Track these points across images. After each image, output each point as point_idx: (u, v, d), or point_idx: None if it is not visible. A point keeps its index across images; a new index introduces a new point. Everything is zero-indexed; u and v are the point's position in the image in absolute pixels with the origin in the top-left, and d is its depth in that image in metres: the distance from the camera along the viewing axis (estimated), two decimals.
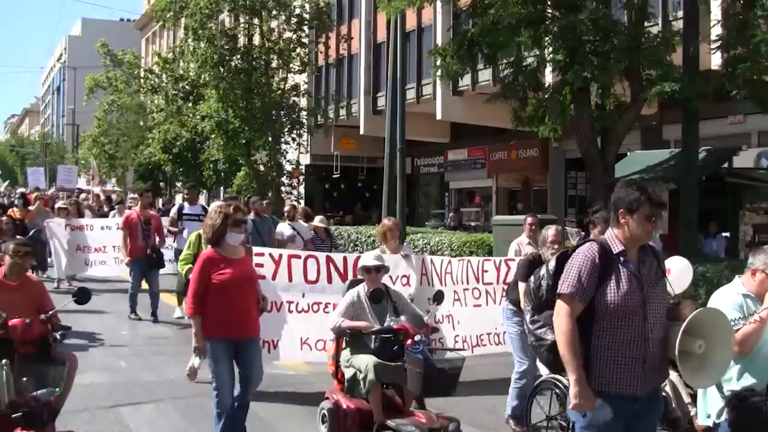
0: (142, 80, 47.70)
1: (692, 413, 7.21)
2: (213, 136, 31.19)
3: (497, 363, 11.03)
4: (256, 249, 10.19)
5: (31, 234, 17.64)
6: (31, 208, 20.17)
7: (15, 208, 20.04)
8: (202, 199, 34.89)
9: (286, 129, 31.28)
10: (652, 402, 5.16)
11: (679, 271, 8.16)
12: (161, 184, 49.58)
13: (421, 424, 7.35)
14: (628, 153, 22.16)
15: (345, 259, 10.52)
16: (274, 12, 30.04)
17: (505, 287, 10.45)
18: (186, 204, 16.90)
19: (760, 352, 5.91)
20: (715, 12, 17.60)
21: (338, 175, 41.40)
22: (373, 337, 7.82)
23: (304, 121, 32.15)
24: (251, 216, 14.94)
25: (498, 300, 11.03)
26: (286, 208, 17.25)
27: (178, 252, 15.07)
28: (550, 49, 16.95)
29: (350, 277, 9.96)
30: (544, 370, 7.47)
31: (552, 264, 5.26)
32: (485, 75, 28.62)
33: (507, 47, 16.46)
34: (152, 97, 43.37)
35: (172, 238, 16.49)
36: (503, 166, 34.43)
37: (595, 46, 16.14)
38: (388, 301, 8.15)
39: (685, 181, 16.77)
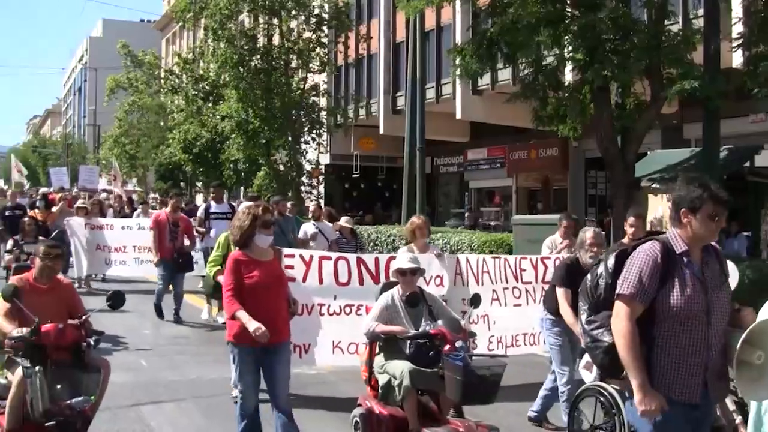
0: (162, 81, 47.90)
1: (737, 421, 7.01)
2: (233, 136, 31.27)
3: (526, 364, 10.88)
4: (286, 250, 9.99)
5: (53, 236, 17.33)
6: (54, 209, 20.10)
7: (36, 210, 19.96)
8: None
9: (306, 129, 31.34)
10: (709, 410, 4.98)
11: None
12: (181, 184, 49.78)
13: None
14: (649, 152, 22.05)
15: (377, 260, 10.24)
16: (293, 12, 30.09)
17: (544, 286, 10.28)
18: (213, 203, 16.78)
19: None
20: (737, 9, 17.53)
21: (358, 175, 41.45)
22: (408, 342, 7.52)
23: (324, 120, 32.19)
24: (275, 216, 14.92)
25: (538, 299, 10.63)
26: (312, 208, 17.14)
27: (206, 251, 15.01)
28: (570, 48, 16.89)
29: (382, 278, 9.77)
30: (587, 377, 7.23)
31: (611, 262, 5.05)
32: (505, 74, 28.57)
33: (526, 46, 16.43)
34: (172, 98, 43.56)
35: (200, 238, 16.39)
36: (523, 165, 34.36)
37: (614, 44, 16.09)
38: (424, 304, 7.85)
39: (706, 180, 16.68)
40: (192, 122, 38.17)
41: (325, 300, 9.81)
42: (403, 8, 19.34)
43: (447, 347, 7.11)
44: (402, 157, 26.23)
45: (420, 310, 7.78)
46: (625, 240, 9.83)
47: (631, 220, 9.58)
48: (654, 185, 19.67)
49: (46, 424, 6.13)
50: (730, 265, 7.89)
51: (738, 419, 6.98)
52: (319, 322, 9.73)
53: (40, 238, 15.19)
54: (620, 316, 4.76)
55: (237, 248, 7.40)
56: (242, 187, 39.60)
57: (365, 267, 10.06)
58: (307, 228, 15.47)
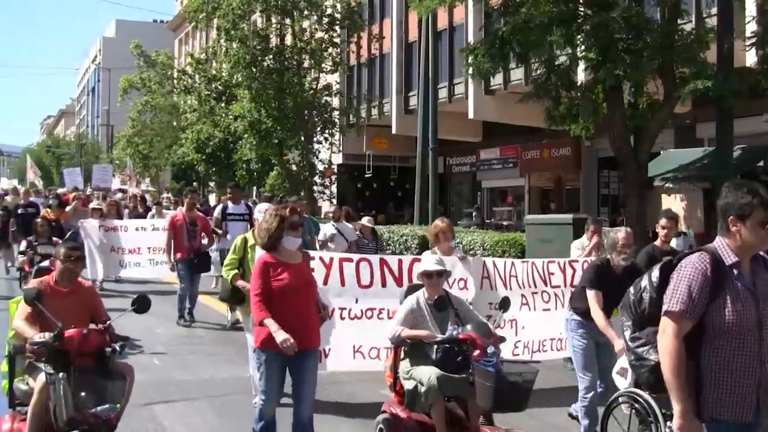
0: (175, 81, 47.99)
1: None
2: (246, 136, 31.34)
3: (549, 368, 10.65)
4: None
5: (67, 236, 16.74)
6: (67, 208, 19.94)
7: (49, 209, 19.81)
8: None
9: (319, 129, 31.38)
10: (759, 427, 4.63)
11: None
12: (194, 183, 49.89)
13: None
14: (662, 151, 22.03)
15: (400, 262, 9.91)
16: (305, 12, 30.14)
17: (572, 289, 9.90)
18: (230, 203, 16.34)
19: None
20: (750, 8, 17.48)
21: (370, 175, 41.49)
22: (435, 347, 7.30)
23: (337, 120, 32.23)
24: None
25: (566, 304, 10.15)
26: (332, 209, 16.92)
27: (222, 252, 14.79)
28: (583, 47, 16.90)
29: (405, 280, 9.53)
30: (621, 383, 6.94)
31: (656, 275, 4.75)
32: (517, 74, 28.54)
33: (539, 46, 16.42)
34: (185, 98, 43.66)
35: (216, 238, 16.02)
36: (535, 165, 34.31)
37: (627, 44, 16.07)
38: (450, 308, 7.56)
39: (719, 180, 16.63)
40: (205, 122, 38.28)
41: (346, 304, 9.52)
42: (416, 8, 19.38)
43: (477, 352, 6.87)
44: (414, 157, 26.24)
45: (446, 314, 7.52)
46: (657, 242, 9.67)
47: (663, 221, 9.35)
48: (667, 185, 19.65)
49: None
50: None
51: None
52: (340, 326, 9.43)
53: (54, 238, 15.08)
54: (667, 333, 4.48)
55: (264, 251, 7.14)
56: (255, 187, 39.67)
57: (388, 269, 9.79)
58: (326, 229, 15.31)
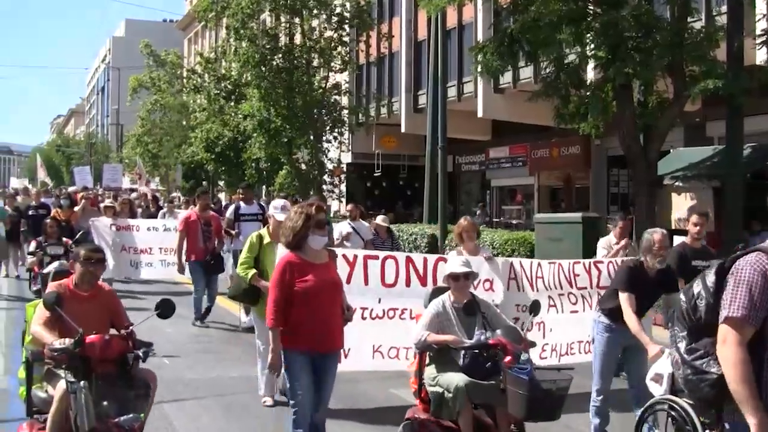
0: (184, 80, 48.05)
1: None
2: (255, 134, 31.35)
3: (577, 372, 10.49)
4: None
5: (77, 237, 16.54)
6: (76, 208, 19.69)
7: (60, 209, 19.46)
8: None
9: (328, 127, 31.38)
10: None
11: None
12: (204, 182, 49.97)
13: None
14: (671, 150, 21.96)
15: (425, 261, 9.62)
16: (315, 11, 30.15)
17: (600, 292, 9.95)
18: (242, 203, 16.10)
19: None
20: (760, 6, 17.45)
21: (380, 173, 41.49)
22: (462, 352, 6.99)
23: (346, 119, 32.22)
24: None
25: (594, 305, 9.97)
26: (349, 208, 16.70)
27: (235, 254, 14.60)
28: (592, 45, 16.87)
29: (429, 280, 9.32)
30: (655, 390, 6.66)
31: (711, 279, 4.43)
32: (526, 72, 28.52)
33: (548, 44, 16.41)
34: (195, 97, 43.71)
35: (228, 239, 15.91)
36: (545, 163, 34.25)
37: (637, 42, 16.05)
38: (478, 312, 7.33)
39: (729, 178, 16.61)
40: (214, 121, 38.35)
41: (368, 304, 9.28)
42: (425, 6, 19.38)
43: (507, 359, 6.65)
44: (423, 156, 26.23)
45: (473, 318, 7.28)
46: (688, 240, 9.41)
47: (694, 218, 9.13)
48: (677, 183, 19.58)
49: None
50: None
51: None
52: (361, 326, 9.05)
53: (64, 239, 14.98)
54: (729, 342, 4.10)
55: (288, 250, 6.84)
56: (264, 186, 39.70)
57: (413, 267, 9.50)
58: (342, 227, 15.16)
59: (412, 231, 22.44)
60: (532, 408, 6.47)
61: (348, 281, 8.87)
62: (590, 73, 19.50)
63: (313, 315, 6.59)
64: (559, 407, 6.64)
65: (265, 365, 8.49)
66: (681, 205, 19.75)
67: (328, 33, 30.60)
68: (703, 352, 4.46)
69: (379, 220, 15.29)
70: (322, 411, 6.86)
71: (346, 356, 8.92)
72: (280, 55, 30.06)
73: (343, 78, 33.77)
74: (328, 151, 32.32)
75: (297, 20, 30.70)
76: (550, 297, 10.16)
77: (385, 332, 9.32)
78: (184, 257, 14.65)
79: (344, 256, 9.26)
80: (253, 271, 9.08)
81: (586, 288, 10.46)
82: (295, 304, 6.58)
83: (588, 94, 17.46)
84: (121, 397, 6.10)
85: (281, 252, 7.47)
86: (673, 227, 18.93)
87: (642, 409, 6.79)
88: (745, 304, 4.08)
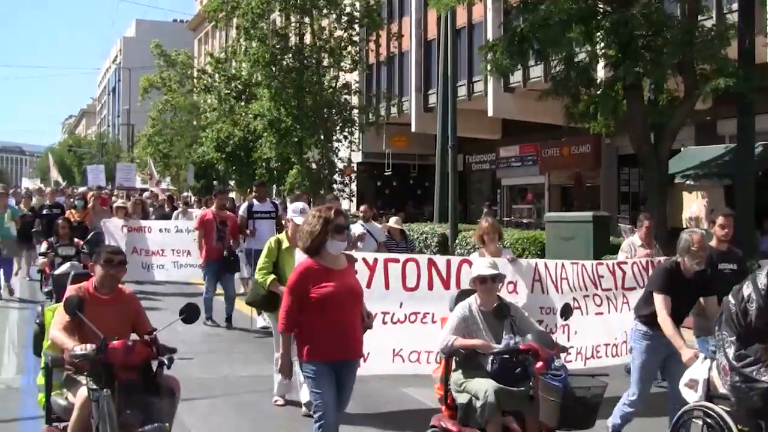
0: (195, 80, 48.16)
1: None
2: (265, 134, 31.36)
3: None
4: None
5: (89, 237, 16.32)
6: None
7: (74, 210, 19.24)
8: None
9: (338, 127, 31.37)
10: None
11: None
12: (214, 182, 50.03)
13: None
14: (682, 149, 21.91)
15: (448, 263, 9.31)
16: (324, 11, 30.13)
17: (625, 293, 9.86)
18: (255, 201, 15.89)
19: None
20: None
21: (390, 173, 41.50)
22: (490, 357, 6.80)
23: (356, 118, 32.21)
24: None
25: (619, 307, 10.01)
26: (362, 209, 16.50)
27: (249, 253, 14.67)
28: (602, 44, 16.85)
29: (453, 283, 9.06)
30: (690, 396, 6.50)
31: (763, 281, 4.34)
32: (536, 71, 28.49)
33: (558, 43, 16.40)
34: (205, 97, 43.78)
35: (242, 238, 15.55)
36: (555, 162, 34.20)
37: (647, 40, 16.02)
38: (507, 315, 7.12)
39: (740, 176, 16.56)
40: (224, 121, 38.40)
41: (389, 308, 8.99)
42: (435, 6, 19.38)
43: (539, 365, 6.48)
44: (434, 155, 26.24)
45: (501, 321, 7.08)
46: (713, 242, 8.98)
47: (720, 219, 8.90)
48: (688, 182, 19.54)
49: None
50: None
51: None
52: (382, 331, 8.75)
53: (75, 240, 14.91)
54: None
55: (306, 255, 6.55)
56: (274, 186, 39.73)
57: (436, 270, 9.19)
58: (355, 229, 14.74)
59: (422, 230, 22.44)
60: (565, 416, 6.33)
61: (368, 285, 8.64)
62: (600, 72, 19.46)
63: (333, 323, 6.31)
64: (593, 415, 6.48)
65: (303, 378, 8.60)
66: (692, 203, 19.72)
67: (338, 33, 30.59)
68: (754, 359, 4.33)
69: (392, 221, 15.06)
70: (340, 414, 6.70)
71: (365, 360, 8.51)
72: (290, 55, 30.05)
73: (353, 77, 33.76)
74: (339, 150, 32.32)
75: (307, 20, 30.68)
76: (574, 299, 9.81)
77: (407, 336, 9.05)
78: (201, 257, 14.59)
79: (364, 259, 9.01)
80: (272, 276, 8.88)
81: (611, 289, 10.14)
82: (314, 313, 6.30)
83: (598, 92, 17.43)
84: (145, 405, 5.87)
85: (300, 257, 7.20)
86: (684, 226, 18.89)
87: (676, 415, 6.66)
88: None
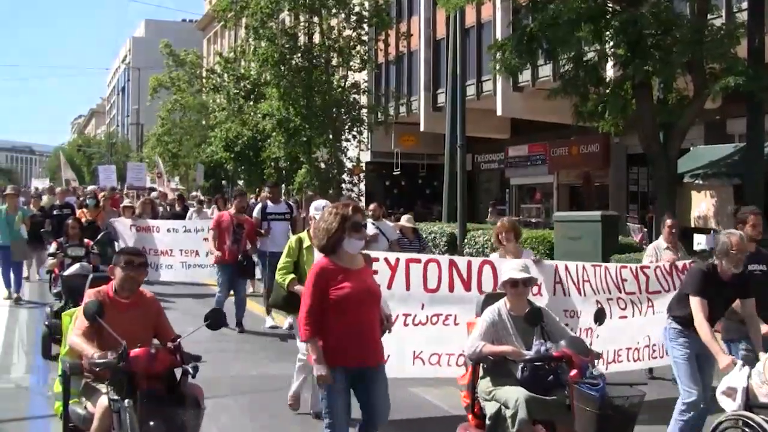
0: (204, 80, 48.19)
1: None
2: (274, 134, 31.41)
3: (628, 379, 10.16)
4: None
5: (99, 237, 16.04)
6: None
7: (85, 209, 19.04)
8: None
9: (347, 126, 31.39)
10: None
11: None
12: (223, 182, 50.09)
13: None
14: (691, 148, 21.86)
15: (469, 264, 9.02)
16: (333, 10, 30.15)
17: (650, 296, 9.65)
18: (269, 202, 15.37)
19: None
20: None
21: (399, 172, 41.49)
22: (521, 364, 6.47)
23: (365, 118, 32.22)
24: None
25: (644, 311, 9.74)
26: (372, 207, 16.31)
27: (263, 254, 14.51)
28: (611, 43, 16.82)
29: (474, 284, 8.78)
30: (728, 405, 6.32)
31: None
32: (545, 71, 28.46)
33: (567, 42, 16.39)
34: (214, 97, 43.82)
35: (258, 241, 15.02)
36: (564, 162, 34.18)
37: (656, 39, 15.99)
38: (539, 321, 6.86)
39: (749, 176, 16.52)
40: (233, 121, 38.46)
41: (411, 310, 8.71)
42: (444, 5, 19.38)
43: (573, 372, 6.24)
44: (442, 154, 26.23)
45: (532, 327, 6.80)
46: None
47: (752, 219, 8.52)
48: (697, 181, 19.50)
49: None
50: None
51: None
52: (402, 333, 8.52)
53: (85, 240, 14.75)
54: None
55: (322, 255, 6.26)
56: (283, 185, 39.78)
57: (457, 271, 8.89)
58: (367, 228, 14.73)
59: (431, 230, 22.41)
60: (602, 426, 6.16)
61: (389, 286, 8.50)
62: (609, 71, 19.43)
63: (350, 327, 5.97)
64: (631, 425, 6.32)
65: (306, 375, 8.43)
66: (701, 202, 19.68)
67: (347, 32, 30.60)
68: None
69: (404, 220, 14.80)
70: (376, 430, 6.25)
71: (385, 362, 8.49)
72: (299, 55, 30.09)
73: (362, 77, 33.78)
74: (347, 150, 32.34)
75: (316, 19, 30.70)
76: (597, 302, 9.37)
77: (428, 338, 8.77)
78: (213, 257, 14.38)
79: (386, 259, 8.77)
80: (291, 276, 8.54)
81: (635, 293, 9.85)
82: (330, 315, 5.97)
83: (607, 92, 17.40)
84: (168, 416, 5.59)
85: (319, 257, 6.92)
86: (693, 225, 18.86)
87: (714, 422, 6.43)
88: None
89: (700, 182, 19.50)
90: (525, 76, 28.86)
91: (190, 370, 5.80)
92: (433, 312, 8.77)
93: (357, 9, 30.43)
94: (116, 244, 17.37)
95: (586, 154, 32.36)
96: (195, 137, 51.88)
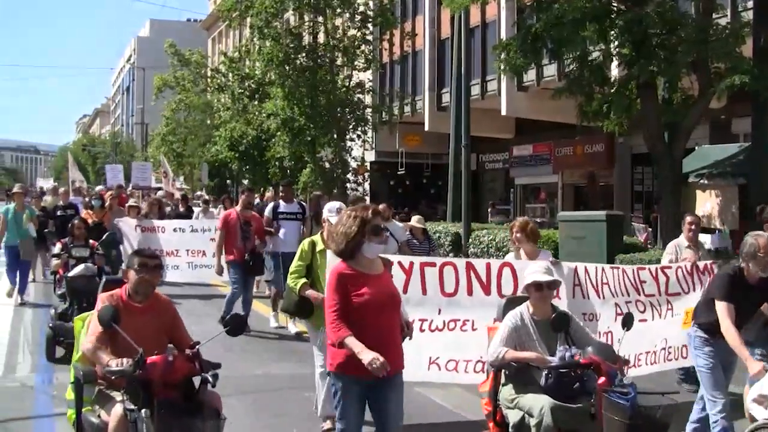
0: (208, 79, 48.32)
1: None
2: (278, 133, 31.45)
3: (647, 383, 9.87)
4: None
5: (104, 238, 16.00)
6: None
7: (91, 210, 18.91)
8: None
9: (351, 126, 31.40)
10: None
11: None
12: (228, 181, 50.13)
13: None
14: (696, 147, 21.83)
15: (488, 266, 8.68)
16: (338, 10, 30.16)
17: (669, 299, 9.39)
18: (282, 202, 15.08)
19: None
20: None
21: (403, 172, 41.50)
22: (545, 371, 6.25)
23: (369, 118, 32.23)
24: None
25: (663, 314, 9.44)
26: (380, 208, 16.00)
27: (274, 255, 14.34)
28: (616, 43, 16.79)
29: (494, 288, 8.48)
30: (759, 413, 6.16)
31: None
32: (550, 70, 28.44)
33: (572, 42, 16.37)
34: (219, 96, 43.87)
35: (269, 239, 14.81)
36: (569, 161, 34.14)
37: (661, 39, 15.96)
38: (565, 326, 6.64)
39: (754, 175, 16.49)
40: (238, 120, 38.48)
41: (427, 315, 8.42)
42: (448, 5, 19.40)
43: (602, 380, 6.05)
44: (447, 154, 26.21)
45: (557, 332, 6.58)
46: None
47: None
48: (702, 181, 19.47)
49: None
50: None
51: None
52: (419, 338, 8.02)
53: (90, 241, 14.60)
54: None
55: (339, 260, 5.97)
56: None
57: (475, 274, 8.56)
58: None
59: (435, 229, 22.40)
60: None
61: (405, 291, 8.12)
62: (614, 71, 19.41)
63: (370, 334, 5.65)
64: None
65: (325, 386, 7.97)
66: (706, 202, 19.65)
67: (352, 31, 30.61)
68: None
69: (414, 221, 14.50)
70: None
71: None
72: (304, 54, 30.11)
73: (366, 76, 33.78)
74: (352, 149, 32.35)
75: (320, 19, 30.72)
76: (616, 305, 9.22)
77: (445, 344, 8.48)
78: (223, 258, 14.05)
79: (400, 263, 8.41)
80: (303, 280, 8.17)
81: (654, 295, 9.54)
82: (350, 323, 5.67)
83: (612, 91, 17.38)
84: (186, 427, 5.38)
85: (332, 260, 6.85)
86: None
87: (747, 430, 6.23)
88: None
89: (705, 182, 19.48)
90: (530, 76, 28.85)
91: (210, 379, 5.58)
92: (450, 317, 8.49)
93: (362, 8, 30.45)
94: (122, 247, 17.37)
95: (591, 153, 32.32)
96: (199, 137, 51.93)
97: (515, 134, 37.25)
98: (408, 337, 6.18)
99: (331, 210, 8.45)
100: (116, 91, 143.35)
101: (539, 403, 6.06)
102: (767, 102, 15.75)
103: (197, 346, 5.87)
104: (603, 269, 9.38)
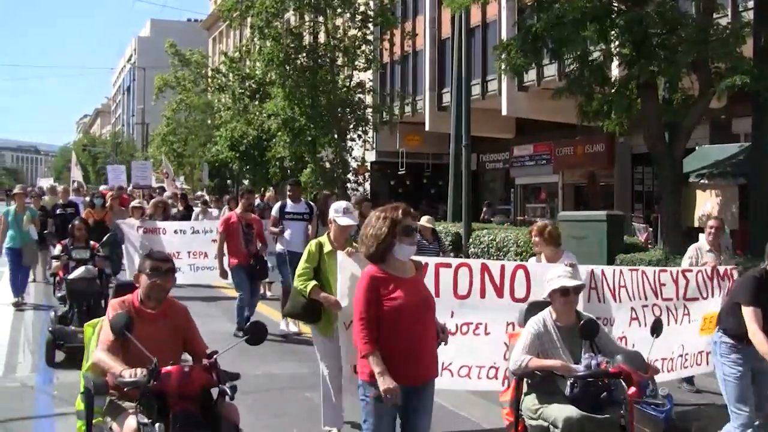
0: (209, 79, 48.33)
1: None
2: (279, 133, 31.46)
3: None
4: None
5: (105, 238, 15.55)
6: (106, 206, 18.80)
7: (93, 209, 18.55)
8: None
9: (352, 126, 31.42)
10: None
11: None
12: (228, 181, 50.13)
13: None
14: (697, 147, 21.83)
15: (502, 269, 8.34)
16: (339, 10, 30.18)
17: (686, 303, 9.19)
18: (289, 201, 14.57)
19: None
20: None
21: (403, 172, 41.52)
22: (569, 380, 6.03)
23: (370, 118, 32.25)
24: None
25: (680, 319, 9.21)
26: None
27: (280, 256, 14.11)
28: (616, 43, 16.78)
29: (507, 290, 8.19)
30: None
31: None
32: (551, 70, 28.46)
33: (572, 42, 16.35)
34: (219, 96, 43.90)
35: (273, 239, 14.63)
36: (569, 161, 34.15)
37: (662, 39, 15.95)
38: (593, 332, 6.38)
39: (754, 176, 16.48)
40: (239, 120, 38.50)
41: (440, 318, 7.79)
42: (449, 5, 19.38)
43: (632, 390, 5.81)
44: (447, 154, 26.22)
45: (580, 339, 6.35)
46: None
47: None
48: (702, 181, 19.46)
49: None
50: None
51: None
52: None
53: (91, 242, 14.39)
54: None
55: (370, 263, 5.69)
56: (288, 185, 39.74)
57: (489, 276, 8.24)
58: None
59: (437, 229, 22.40)
60: None
61: None
62: (614, 71, 19.39)
63: (404, 342, 5.43)
64: None
65: (329, 393, 7.92)
66: (706, 202, 19.64)
67: (352, 31, 30.63)
68: None
69: (424, 221, 14.08)
70: None
71: None
72: (305, 54, 30.14)
73: (367, 76, 33.80)
74: (352, 149, 32.37)
75: (321, 19, 30.75)
76: (632, 309, 8.97)
77: (457, 349, 8.08)
78: (226, 262, 13.81)
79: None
80: (313, 282, 7.84)
81: (671, 299, 9.28)
82: (382, 329, 5.42)
83: (612, 91, 17.36)
84: None
85: (343, 261, 6.79)
86: (696, 225, 18.82)
87: None
88: None
89: (706, 182, 19.47)
90: (530, 76, 28.86)
91: (228, 390, 5.31)
92: (463, 321, 8.19)
93: (362, 8, 30.46)
94: (122, 247, 17.29)
95: (591, 153, 32.33)
96: (200, 137, 51.95)
97: (516, 134, 37.27)
98: (443, 343, 5.91)
99: (337, 210, 8.21)
100: (117, 91, 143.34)
101: (564, 414, 5.86)
102: (767, 102, 15.74)
103: (215, 356, 5.57)
104: (621, 272, 9.10)
